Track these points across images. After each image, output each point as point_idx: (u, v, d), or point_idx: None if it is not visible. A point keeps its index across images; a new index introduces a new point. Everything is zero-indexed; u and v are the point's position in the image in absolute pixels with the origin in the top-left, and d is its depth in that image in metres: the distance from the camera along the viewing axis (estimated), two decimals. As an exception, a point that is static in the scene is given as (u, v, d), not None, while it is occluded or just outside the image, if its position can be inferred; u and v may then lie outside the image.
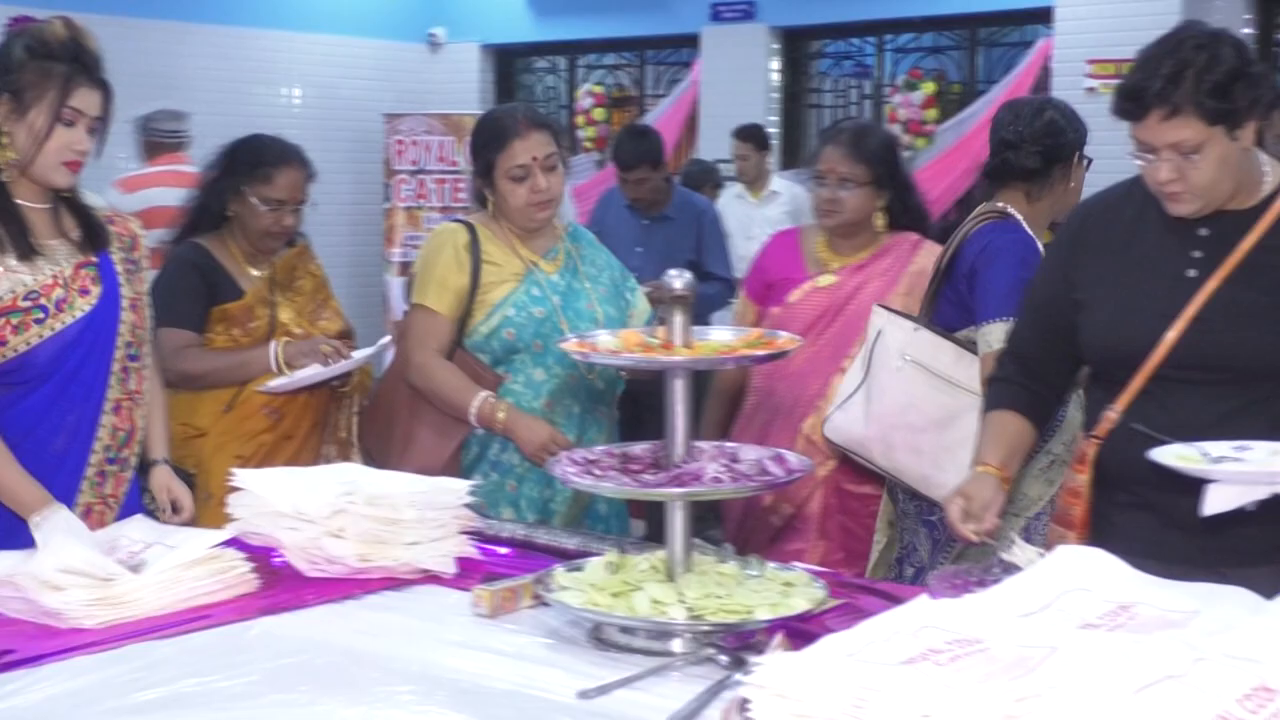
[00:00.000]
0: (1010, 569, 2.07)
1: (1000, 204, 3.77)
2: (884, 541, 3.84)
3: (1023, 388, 2.92)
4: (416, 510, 2.72)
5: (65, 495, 2.98)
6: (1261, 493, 2.41)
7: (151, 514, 3.20)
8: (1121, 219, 2.81)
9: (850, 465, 3.86)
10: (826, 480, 3.90)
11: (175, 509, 3.25)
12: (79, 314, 3.01)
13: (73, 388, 3.02)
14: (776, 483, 2.51)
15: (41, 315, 2.95)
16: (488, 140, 3.67)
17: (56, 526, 2.67)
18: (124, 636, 2.34)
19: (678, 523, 2.41)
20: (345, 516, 2.69)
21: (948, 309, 3.73)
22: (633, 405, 3.94)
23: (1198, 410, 2.66)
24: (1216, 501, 2.41)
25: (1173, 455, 2.50)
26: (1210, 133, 2.53)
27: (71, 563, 2.45)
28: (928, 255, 3.96)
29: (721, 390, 4.11)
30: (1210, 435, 2.56)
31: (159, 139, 7.11)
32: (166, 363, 3.74)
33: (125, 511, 3.09)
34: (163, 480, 3.27)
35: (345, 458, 3.99)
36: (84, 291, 3.02)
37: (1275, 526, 2.50)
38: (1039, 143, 3.76)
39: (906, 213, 4.04)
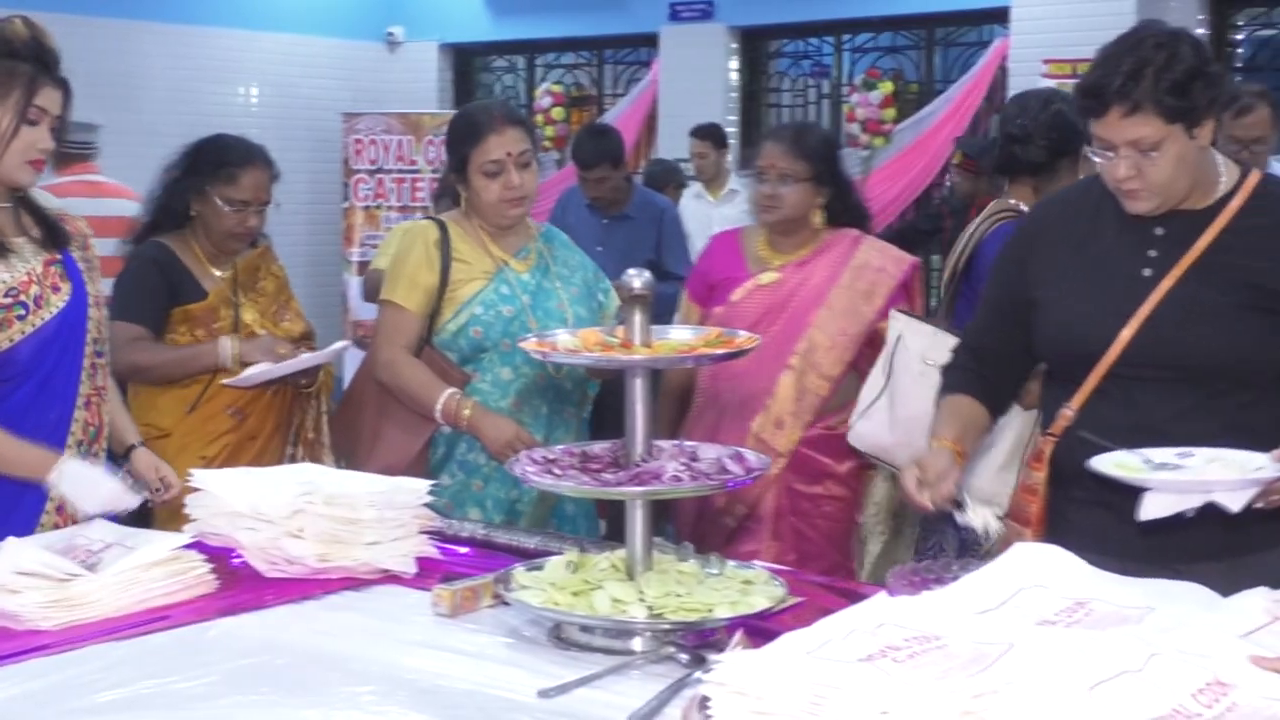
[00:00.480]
0: (968, 567, 2.09)
1: (1013, 201, 3.79)
2: (886, 534, 3.85)
3: (976, 375, 2.93)
4: (376, 510, 2.72)
5: (40, 491, 2.97)
6: (1195, 501, 2.44)
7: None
8: (1079, 217, 2.83)
9: (801, 465, 3.88)
10: (777, 480, 3.89)
11: (165, 486, 3.25)
12: (54, 310, 3.00)
13: (52, 383, 3.02)
14: (736, 481, 2.51)
15: (23, 312, 2.95)
16: (463, 135, 3.66)
17: (72, 475, 2.85)
18: (82, 638, 2.33)
19: (638, 521, 2.42)
20: (304, 516, 2.68)
21: (966, 311, 3.74)
22: (594, 406, 3.92)
23: (1153, 408, 2.68)
24: (1152, 509, 2.44)
25: (1111, 463, 2.53)
26: (1169, 130, 2.56)
27: (27, 565, 2.44)
28: (869, 250, 3.97)
29: (670, 390, 4.10)
30: (1165, 432, 2.60)
31: (68, 149, 7.06)
32: (116, 355, 3.74)
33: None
34: (148, 461, 3.27)
35: (315, 458, 3.98)
36: (55, 288, 3.02)
37: (1228, 524, 2.50)
38: (1045, 136, 3.80)
39: (846, 211, 4.04)
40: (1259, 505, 2.46)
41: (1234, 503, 2.42)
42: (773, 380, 3.89)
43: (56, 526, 2.96)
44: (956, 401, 2.91)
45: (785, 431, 3.87)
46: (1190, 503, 2.43)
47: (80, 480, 2.86)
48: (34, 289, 2.98)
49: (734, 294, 3.99)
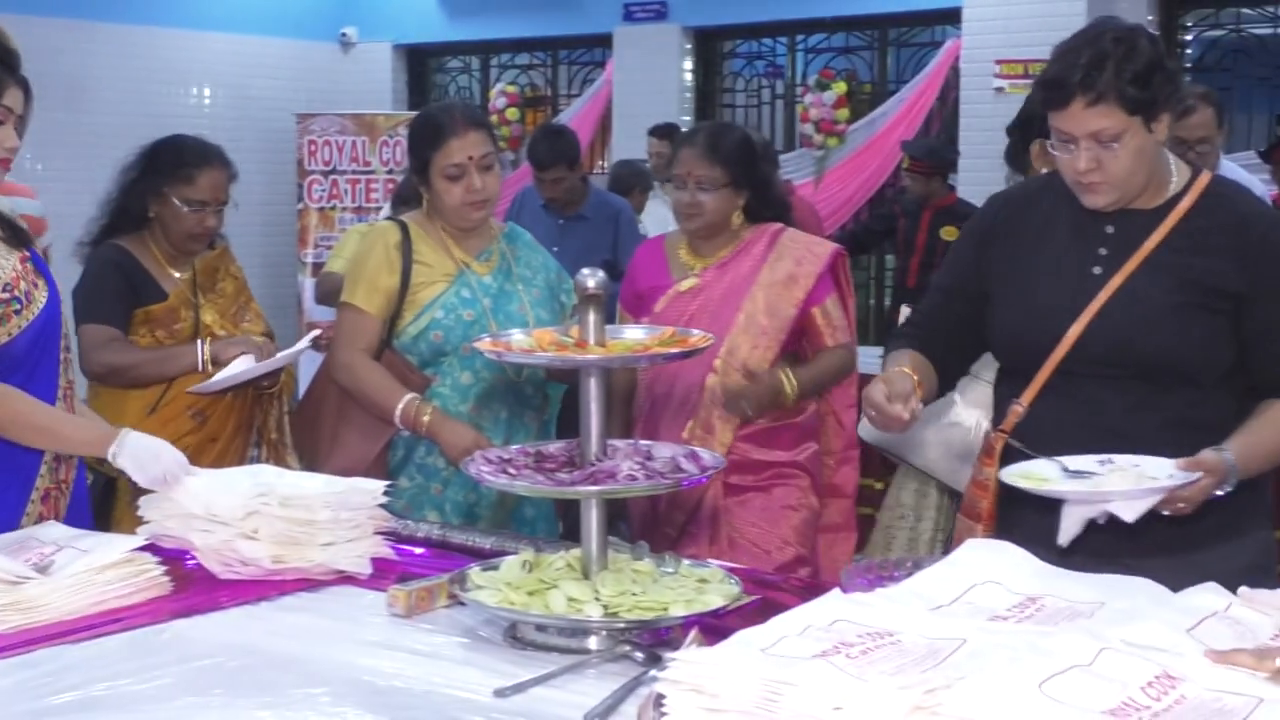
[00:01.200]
0: (921, 563, 2.10)
1: None
2: (911, 532, 3.85)
3: (923, 346, 2.93)
4: (331, 511, 2.71)
5: (26, 481, 2.97)
6: (1095, 511, 2.49)
7: (89, 498, 3.22)
8: (1034, 214, 2.86)
9: (741, 464, 3.84)
10: (713, 484, 3.83)
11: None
12: (40, 306, 2.99)
13: (36, 377, 2.99)
14: (691, 480, 2.51)
15: (19, 306, 2.94)
16: (424, 138, 3.64)
17: (132, 447, 2.81)
18: (34, 641, 2.31)
19: (593, 521, 2.42)
20: (259, 518, 2.68)
21: None
22: (561, 408, 3.90)
23: (1101, 404, 2.72)
24: (1067, 529, 2.51)
25: (1017, 474, 2.58)
26: (1129, 122, 2.59)
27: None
28: (788, 242, 3.96)
29: (620, 393, 4.03)
30: (1114, 428, 2.65)
31: None
32: (91, 356, 3.80)
33: (75, 496, 3.10)
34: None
35: (278, 458, 3.96)
36: (35, 285, 3.01)
37: (1175, 521, 2.55)
38: (1014, 133, 3.86)
39: (767, 207, 4.03)
40: (1165, 512, 2.51)
41: (1128, 512, 2.46)
42: (698, 385, 3.88)
43: (42, 518, 2.95)
44: (908, 351, 2.91)
45: (715, 435, 3.84)
46: (1092, 513, 2.49)
47: (140, 452, 2.81)
48: (23, 284, 2.96)
49: (657, 304, 3.97)
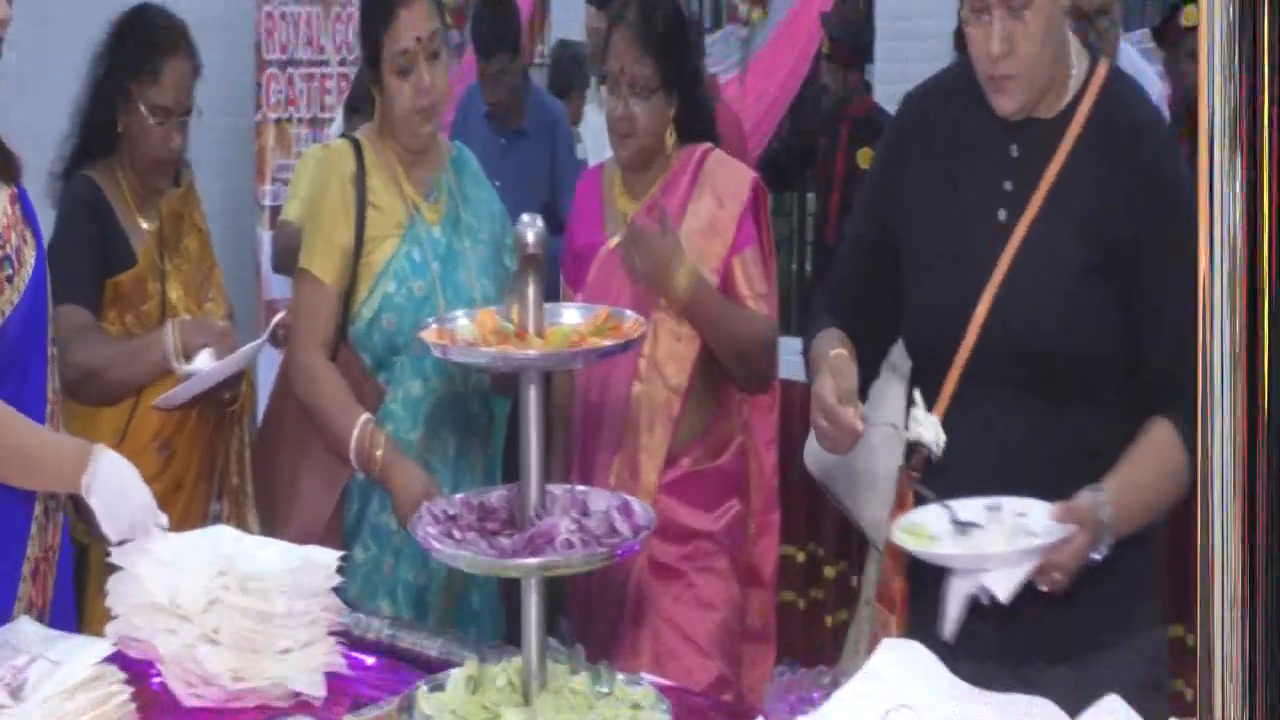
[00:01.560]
0: (840, 678, 2.11)
1: None
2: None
3: (840, 323, 2.60)
4: (287, 600, 2.71)
5: (18, 551, 2.81)
6: (974, 587, 2.21)
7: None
8: (946, 121, 2.57)
9: (662, 524, 2.97)
10: (641, 554, 3.21)
11: None
12: (29, 271, 2.57)
13: (31, 374, 2.71)
14: (625, 548, 2.31)
15: (10, 271, 2.53)
16: (374, 13, 3.17)
17: (104, 476, 2.52)
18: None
19: (532, 613, 2.34)
20: (220, 610, 2.68)
21: None
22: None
23: (1004, 423, 2.43)
24: (950, 613, 2.26)
25: (904, 530, 2.28)
26: None
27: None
28: (715, 168, 3.30)
29: (559, 395, 3.50)
30: (1016, 456, 2.39)
31: None
32: (67, 352, 3.22)
33: (60, 565, 2.97)
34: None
35: (239, 516, 3.67)
36: (24, 239, 2.57)
37: (1073, 619, 2.38)
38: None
39: (698, 120, 3.31)
40: (1043, 588, 2.22)
41: (1002, 588, 2.18)
42: (625, 398, 3.27)
43: (31, 603, 2.86)
44: (836, 331, 2.57)
45: (640, 480, 3.26)
46: (973, 587, 2.21)
47: (110, 492, 2.49)
48: (14, 238, 2.53)
49: (591, 271, 3.35)
